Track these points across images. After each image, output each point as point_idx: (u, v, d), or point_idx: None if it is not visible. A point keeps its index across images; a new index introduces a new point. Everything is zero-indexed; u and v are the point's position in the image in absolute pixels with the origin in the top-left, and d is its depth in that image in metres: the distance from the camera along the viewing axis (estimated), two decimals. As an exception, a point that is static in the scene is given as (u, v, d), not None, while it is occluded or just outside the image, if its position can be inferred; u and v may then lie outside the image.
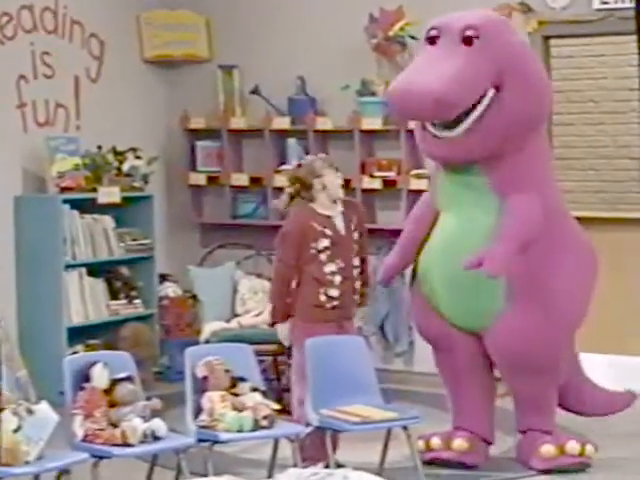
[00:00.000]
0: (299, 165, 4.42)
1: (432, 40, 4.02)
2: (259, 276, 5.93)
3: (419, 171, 5.84)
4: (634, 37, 6.95)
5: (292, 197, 4.38)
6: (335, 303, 4.25)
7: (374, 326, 6.04)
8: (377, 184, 5.98)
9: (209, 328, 5.59)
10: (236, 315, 5.74)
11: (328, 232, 4.24)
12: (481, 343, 4.20)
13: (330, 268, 4.24)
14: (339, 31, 6.15)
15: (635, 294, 5.63)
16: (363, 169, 6.07)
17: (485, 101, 3.94)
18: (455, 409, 4.37)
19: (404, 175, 5.94)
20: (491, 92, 3.95)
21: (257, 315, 5.67)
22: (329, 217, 4.27)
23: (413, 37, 5.88)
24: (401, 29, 5.89)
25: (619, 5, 5.61)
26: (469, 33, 3.97)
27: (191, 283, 5.94)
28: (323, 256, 4.25)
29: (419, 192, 5.61)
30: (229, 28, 6.45)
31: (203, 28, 6.53)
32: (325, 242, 4.24)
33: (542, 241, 4.02)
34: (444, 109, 3.85)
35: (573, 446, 4.19)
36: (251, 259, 6.13)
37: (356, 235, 4.33)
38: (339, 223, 4.29)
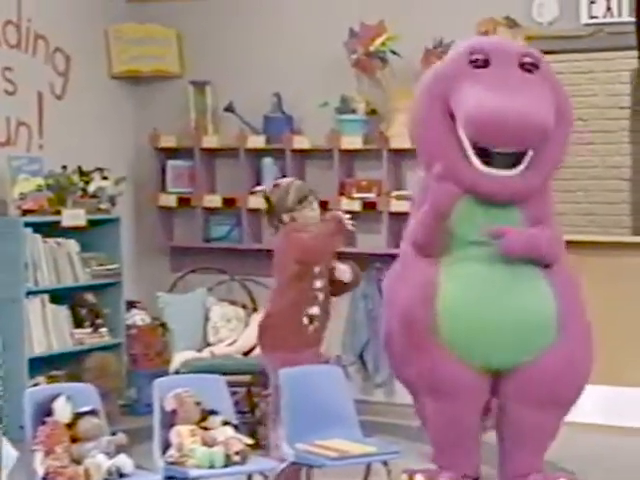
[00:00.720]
0: (275, 186, 4.42)
1: (482, 63, 3.96)
2: (232, 303, 5.92)
3: (400, 192, 5.86)
4: (624, 53, 7.09)
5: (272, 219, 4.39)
6: (316, 324, 4.28)
7: (353, 355, 6.03)
8: (356, 206, 5.99)
9: (179, 358, 5.57)
10: (208, 344, 5.72)
11: None
12: (495, 387, 4.18)
13: (317, 284, 4.28)
14: (317, 46, 6.19)
15: (629, 322, 5.65)
16: (342, 190, 6.09)
17: None
18: (439, 449, 4.35)
19: (385, 196, 5.96)
20: None
21: (230, 344, 5.66)
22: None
23: (395, 52, 5.93)
24: (382, 44, 5.93)
25: (608, 20, 5.68)
26: (529, 60, 3.98)
27: (160, 310, 5.91)
28: (317, 270, 4.27)
29: (400, 214, 5.64)
30: (201, 42, 6.48)
31: (174, 42, 6.54)
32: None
33: (565, 274, 4.10)
34: (544, 139, 3.87)
35: None
36: (224, 285, 6.12)
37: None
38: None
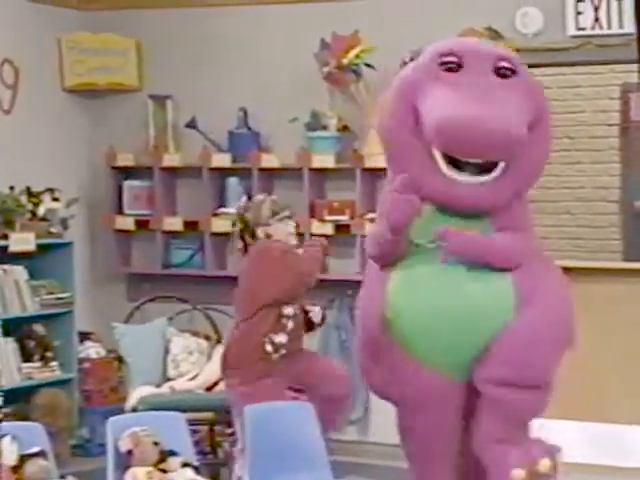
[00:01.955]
0: (246, 205, 4.44)
1: (453, 67, 3.97)
2: (195, 334, 5.90)
3: (375, 215, 5.84)
4: (613, 67, 7.16)
5: (244, 241, 4.40)
6: (282, 352, 4.30)
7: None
8: (328, 229, 6.01)
9: (136, 394, 5.53)
10: (168, 379, 5.69)
11: None
12: (467, 393, 4.18)
13: (286, 311, 4.30)
14: (286, 57, 6.21)
15: (618, 354, 5.67)
16: (312, 212, 6.10)
17: None
18: (415, 468, 4.32)
19: (358, 219, 5.97)
20: None
21: (192, 379, 5.63)
22: None
23: (369, 65, 5.96)
24: (356, 56, 5.97)
25: (597, 32, 5.73)
26: (505, 65, 3.95)
27: (116, 342, 5.87)
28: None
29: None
30: (162, 53, 6.49)
31: (132, 53, 6.54)
32: None
33: (533, 262, 4.11)
34: (514, 149, 3.86)
35: (545, 464, 4.20)
36: (185, 314, 6.09)
37: None
38: None
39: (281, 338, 4.30)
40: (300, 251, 4.39)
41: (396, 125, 4.04)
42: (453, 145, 3.87)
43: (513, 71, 3.97)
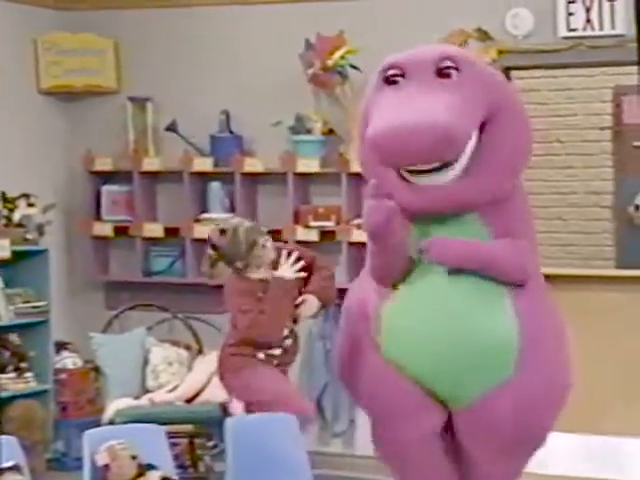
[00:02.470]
0: (222, 232, 4.45)
1: (396, 80, 3.96)
2: (175, 344, 5.89)
3: (362, 220, 5.83)
4: (605, 69, 7.17)
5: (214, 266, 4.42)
6: (276, 362, 4.38)
7: (309, 401, 5.98)
8: (313, 235, 5.99)
9: (114, 406, 5.52)
10: (147, 391, 5.68)
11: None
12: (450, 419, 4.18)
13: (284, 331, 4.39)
14: (270, 59, 6.20)
15: (611, 364, 5.67)
16: (297, 218, 6.08)
17: (474, 138, 3.96)
18: None
19: (344, 225, 5.96)
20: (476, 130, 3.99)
21: (172, 390, 5.62)
22: (263, 281, 4.37)
23: (355, 67, 5.95)
24: (342, 58, 5.95)
25: (588, 33, 5.74)
26: (446, 64, 3.94)
27: (94, 353, 5.85)
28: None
29: (362, 245, 5.60)
30: (141, 54, 6.46)
31: (110, 54, 6.51)
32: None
33: (536, 294, 4.09)
34: (452, 147, 3.83)
35: None
36: (165, 324, 6.09)
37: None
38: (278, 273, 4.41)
39: (274, 351, 4.36)
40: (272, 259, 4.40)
41: (360, 142, 4.10)
42: (387, 157, 3.90)
43: (456, 69, 3.95)
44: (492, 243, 4.01)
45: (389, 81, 3.96)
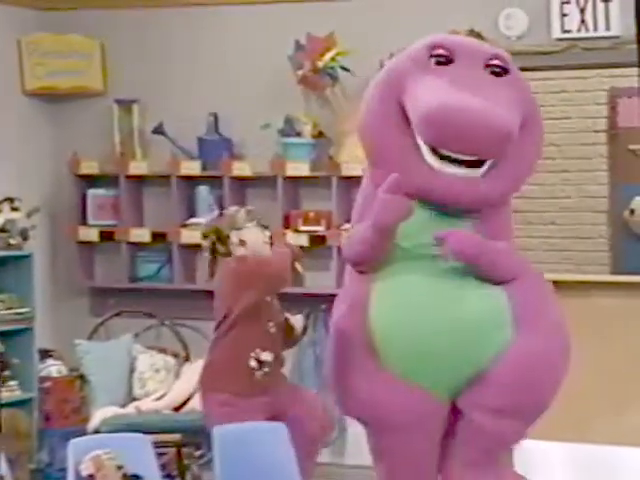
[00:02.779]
0: (220, 215, 4.47)
1: (444, 60, 3.94)
2: (162, 351, 5.87)
3: (353, 220, 5.82)
4: (600, 71, 7.17)
5: (214, 256, 4.37)
6: (266, 370, 4.31)
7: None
8: (303, 240, 5.98)
9: (99, 415, 5.50)
10: (133, 399, 5.67)
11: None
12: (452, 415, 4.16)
13: (272, 328, 4.32)
14: (259, 60, 6.19)
15: (604, 372, 5.66)
16: (287, 222, 6.09)
17: None
18: None
19: (335, 230, 5.96)
20: None
21: (159, 398, 5.61)
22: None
23: (345, 69, 5.96)
24: (332, 59, 5.96)
25: (583, 34, 5.74)
26: (497, 63, 4.00)
27: (79, 360, 5.83)
28: (272, 309, 4.32)
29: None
30: (127, 55, 6.45)
31: (97, 55, 6.50)
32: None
33: (526, 276, 4.11)
34: (506, 148, 3.88)
35: None
36: (152, 330, 6.07)
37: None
38: None
39: (267, 356, 4.30)
40: (269, 254, 4.37)
41: (379, 117, 4.01)
42: (443, 136, 3.84)
43: (505, 70, 3.99)
44: (498, 244, 4.03)
45: (437, 61, 3.94)
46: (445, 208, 3.99)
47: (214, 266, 4.40)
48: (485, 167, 3.95)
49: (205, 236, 4.41)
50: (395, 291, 4.05)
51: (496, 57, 4.01)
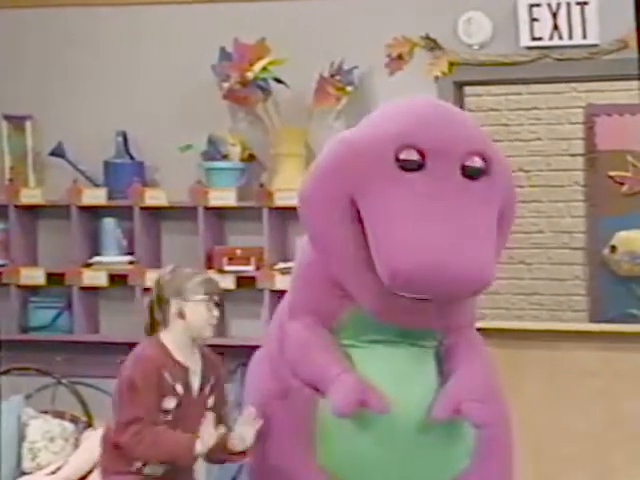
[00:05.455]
0: (172, 272, 4.32)
1: (414, 166, 3.86)
2: (59, 415, 5.75)
3: (287, 264, 5.81)
4: (575, 85, 7.23)
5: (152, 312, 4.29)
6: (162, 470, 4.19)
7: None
8: (229, 282, 5.95)
9: (-18, 493, 5.38)
10: (23, 473, 5.56)
11: (179, 389, 4.18)
12: None
13: (170, 404, 4.17)
14: (177, 70, 6.20)
15: (580, 433, 5.69)
16: (209, 261, 6.06)
17: None
18: None
19: (266, 270, 5.96)
20: None
21: (54, 472, 5.51)
22: (185, 368, 4.21)
23: (280, 81, 5.97)
24: (264, 69, 5.97)
25: (555, 42, 5.78)
26: (475, 165, 3.91)
27: (-42, 427, 5.71)
28: (166, 419, 4.17)
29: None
30: (18, 64, 6.41)
31: (-19, 63, 6.46)
32: (172, 403, 4.16)
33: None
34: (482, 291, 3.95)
35: None
36: (48, 391, 5.95)
37: (211, 402, 4.26)
38: (194, 381, 4.23)
39: (158, 470, 4.18)
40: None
41: (328, 210, 3.95)
42: (411, 292, 3.84)
43: (484, 170, 3.93)
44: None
45: (404, 166, 3.85)
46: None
47: (153, 328, 4.28)
48: None
49: (154, 287, 4.31)
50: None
51: (475, 154, 3.91)
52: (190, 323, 4.16)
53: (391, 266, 3.76)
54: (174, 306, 4.16)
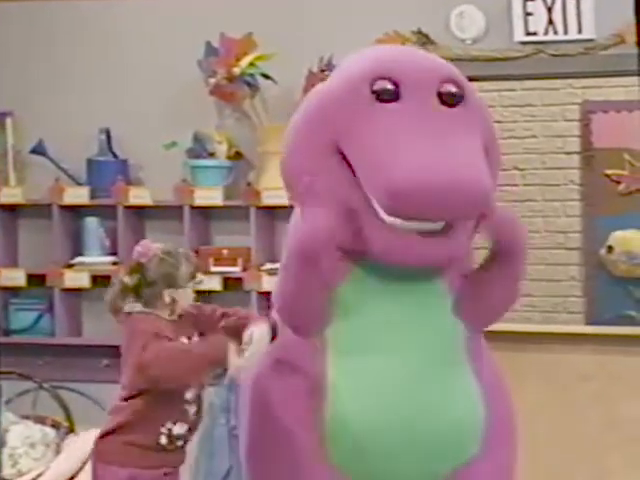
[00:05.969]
0: (143, 254, 4.34)
1: (390, 96, 3.85)
2: (40, 420, 5.76)
3: (275, 265, 5.81)
4: (571, 81, 7.24)
5: (124, 292, 4.29)
6: (179, 444, 4.25)
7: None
8: (215, 283, 5.97)
9: (-40, 501, 5.37)
10: (3, 480, 5.55)
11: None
12: None
13: (188, 395, 4.24)
14: (162, 65, 6.20)
15: (577, 438, 5.70)
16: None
17: None
18: None
19: (254, 270, 5.96)
20: None
21: (35, 479, 5.50)
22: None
23: (267, 76, 5.99)
24: (251, 64, 5.97)
25: (551, 37, 5.79)
26: (450, 90, 3.92)
27: None
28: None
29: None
30: (0, 61, 6.40)
31: (-39, 60, 6.47)
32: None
33: (491, 367, 4.18)
34: (485, 207, 3.90)
35: None
36: (28, 395, 5.96)
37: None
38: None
39: (179, 429, 4.22)
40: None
41: (312, 161, 3.93)
42: (410, 210, 3.80)
43: (461, 96, 3.96)
44: None
45: (385, 97, 3.85)
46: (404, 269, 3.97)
47: (121, 302, 4.31)
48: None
49: (132, 272, 4.32)
50: (352, 374, 4.00)
51: (449, 82, 3.92)
52: (178, 308, 4.23)
53: (389, 188, 3.74)
54: (167, 296, 4.20)
